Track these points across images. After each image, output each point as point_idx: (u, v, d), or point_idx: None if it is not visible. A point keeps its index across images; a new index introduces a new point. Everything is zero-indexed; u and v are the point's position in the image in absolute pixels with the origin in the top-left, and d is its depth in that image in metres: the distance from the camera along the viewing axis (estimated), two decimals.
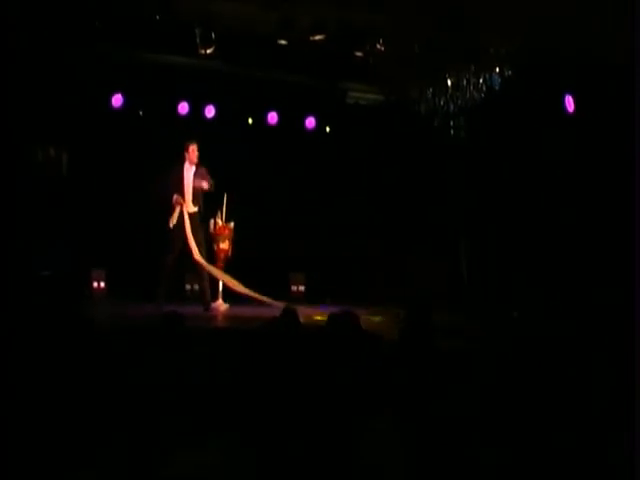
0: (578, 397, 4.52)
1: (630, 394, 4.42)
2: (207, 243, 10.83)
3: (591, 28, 9.45)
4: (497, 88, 10.69)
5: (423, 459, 3.92)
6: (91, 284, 11.92)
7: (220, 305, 10.90)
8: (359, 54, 11.27)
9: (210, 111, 12.81)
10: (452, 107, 10.71)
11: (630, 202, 5.49)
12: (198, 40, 10.73)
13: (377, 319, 10.02)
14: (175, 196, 10.40)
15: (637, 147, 5.35)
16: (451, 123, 11.37)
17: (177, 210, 10.40)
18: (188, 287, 12.49)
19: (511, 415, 4.31)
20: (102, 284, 11.98)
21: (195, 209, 10.55)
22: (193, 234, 10.42)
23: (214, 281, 10.95)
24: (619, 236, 9.87)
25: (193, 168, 10.56)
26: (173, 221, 10.37)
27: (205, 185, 10.46)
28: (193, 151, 10.51)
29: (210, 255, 10.90)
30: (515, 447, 4.03)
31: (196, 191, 10.53)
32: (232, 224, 11.12)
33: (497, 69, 10.52)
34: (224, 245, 10.99)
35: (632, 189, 5.36)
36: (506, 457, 4.01)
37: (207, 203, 10.75)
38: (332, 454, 3.91)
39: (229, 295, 11.07)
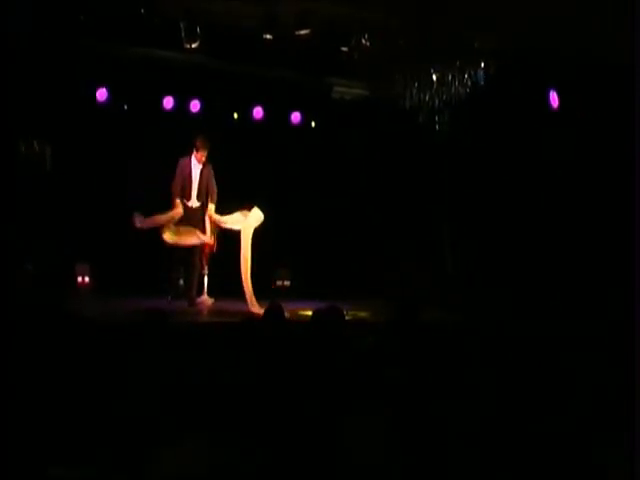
0: (571, 395, 4.52)
1: (630, 394, 4.44)
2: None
3: (577, 24, 9.46)
4: (482, 84, 10.69)
5: (412, 456, 3.91)
6: (75, 279, 11.85)
7: (205, 300, 10.87)
8: (344, 49, 11.25)
9: (195, 106, 12.77)
10: (437, 102, 10.71)
11: (622, 199, 5.49)
12: (183, 34, 10.68)
13: (363, 314, 10.01)
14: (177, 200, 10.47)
15: (637, 146, 5.36)
16: (436, 118, 11.37)
17: (175, 212, 10.43)
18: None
19: (503, 413, 4.30)
20: (86, 279, 11.92)
21: (198, 204, 10.60)
22: (194, 227, 10.51)
23: (199, 276, 10.93)
24: (606, 229, 9.92)
25: (200, 166, 10.63)
26: (173, 216, 10.29)
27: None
28: (201, 155, 10.54)
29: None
30: (508, 447, 4.03)
31: (201, 186, 10.55)
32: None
33: (482, 64, 10.52)
34: (209, 240, 10.96)
35: (632, 188, 5.35)
36: (498, 456, 4.01)
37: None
38: (319, 450, 3.89)
39: (214, 290, 11.05)
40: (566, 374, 4.81)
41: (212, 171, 10.74)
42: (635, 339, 4.64)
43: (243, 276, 10.19)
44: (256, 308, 9.79)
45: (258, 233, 10.87)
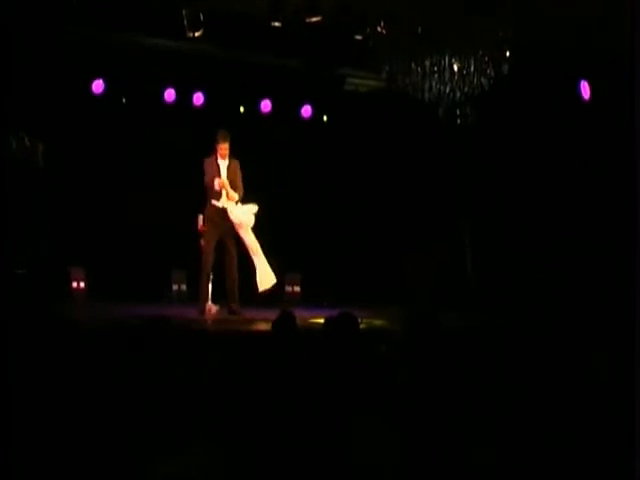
0: (584, 399, 4.56)
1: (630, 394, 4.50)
2: (196, 240, 10.84)
3: (608, 9, 9.46)
4: (506, 74, 10.69)
5: (421, 461, 3.95)
6: (70, 284, 11.91)
7: (210, 307, 10.91)
8: (358, 37, 11.26)
9: (199, 99, 12.81)
10: (458, 94, 10.70)
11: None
12: (186, 22, 10.72)
13: (379, 322, 10.03)
14: (217, 180, 10.55)
15: (637, 145, 5.42)
16: (457, 112, 11.37)
17: (220, 201, 10.58)
18: (175, 287, 12.49)
19: (513, 416, 4.35)
20: (82, 284, 11.98)
21: (225, 205, 10.71)
22: (227, 231, 10.66)
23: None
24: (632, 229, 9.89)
25: (226, 161, 10.68)
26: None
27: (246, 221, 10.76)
28: (225, 149, 10.62)
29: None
30: (515, 448, 4.08)
31: (231, 183, 10.69)
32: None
33: (507, 54, 10.52)
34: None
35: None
36: (505, 458, 4.05)
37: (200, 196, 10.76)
38: (328, 464, 3.94)
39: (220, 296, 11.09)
40: (593, 382, 4.84)
41: (239, 165, 10.76)
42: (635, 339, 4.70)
43: (255, 254, 10.65)
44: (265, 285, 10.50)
45: (265, 236, 10.93)
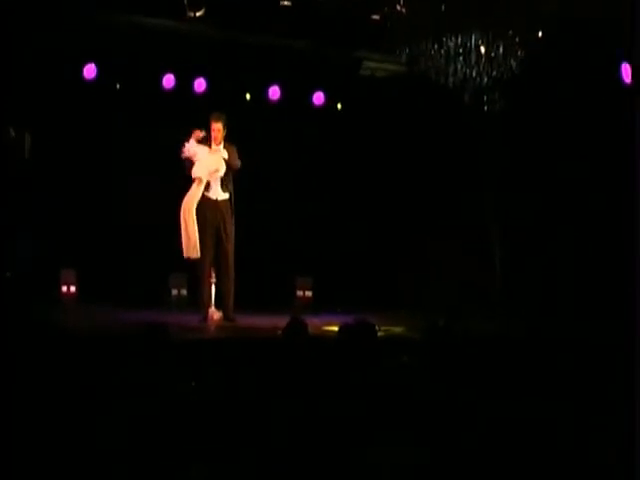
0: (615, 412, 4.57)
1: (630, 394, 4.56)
2: None
3: None
4: (539, 57, 10.67)
5: None
6: (59, 287, 11.93)
7: (213, 313, 10.90)
8: (376, 17, 11.25)
9: (200, 85, 12.81)
10: (485, 79, 10.68)
11: None
12: (186, 1, 10.72)
13: (398, 330, 10.02)
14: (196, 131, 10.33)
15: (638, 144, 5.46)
16: (484, 98, 11.34)
17: (210, 191, 10.37)
18: (174, 292, 12.51)
19: (552, 444, 4.34)
20: (72, 288, 12.00)
21: (225, 196, 10.55)
22: (223, 226, 10.45)
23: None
24: None
25: (221, 147, 10.54)
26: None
27: (224, 154, 10.40)
28: (217, 130, 10.46)
29: None
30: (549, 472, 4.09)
31: (225, 175, 10.51)
32: None
33: (539, 34, 10.48)
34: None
35: None
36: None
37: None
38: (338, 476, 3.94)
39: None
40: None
41: (235, 150, 10.62)
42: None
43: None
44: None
45: (273, 236, 10.94)
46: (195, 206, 10.26)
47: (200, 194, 10.32)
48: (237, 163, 10.49)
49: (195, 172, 10.31)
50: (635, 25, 6.04)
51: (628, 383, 4.81)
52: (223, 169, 10.35)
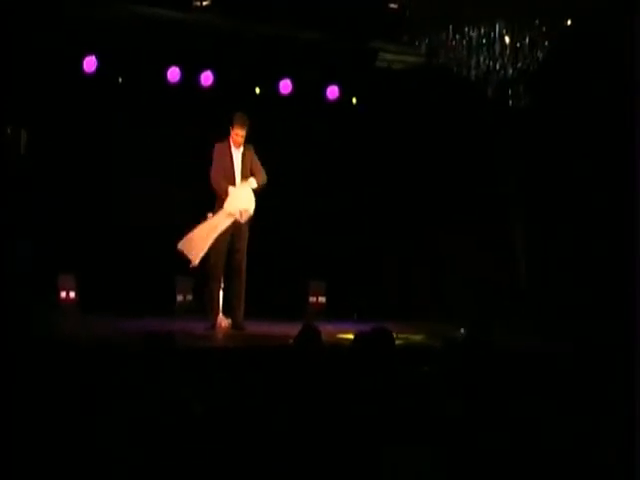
0: None
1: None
2: None
3: None
4: (568, 47, 10.64)
5: None
6: (58, 294, 11.94)
7: (221, 320, 10.91)
8: (393, 5, 11.23)
9: (207, 78, 12.80)
10: (510, 71, 10.66)
11: None
12: None
13: (417, 338, 10.02)
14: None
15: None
16: (509, 92, 11.32)
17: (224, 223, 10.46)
18: (180, 297, 12.52)
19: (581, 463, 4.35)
20: (72, 294, 12.00)
21: None
22: (238, 232, 10.56)
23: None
24: None
25: (240, 150, 10.63)
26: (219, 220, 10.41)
27: (254, 184, 10.52)
28: (241, 136, 10.53)
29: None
30: None
31: (245, 176, 10.60)
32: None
33: (568, 22, 10.46)
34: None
35: None
36: None
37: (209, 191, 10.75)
38: None
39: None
40: None
41: (254, 151, 10.69)
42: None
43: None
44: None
45: (284, 238, 10.94)
46: (218, 234, 10.37)
47: (226, 227, 10.43)
48: (264, 179, 10.67)
49: (227, 207, 10.40)
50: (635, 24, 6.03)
51: None
52: (252, 208, 10.48)
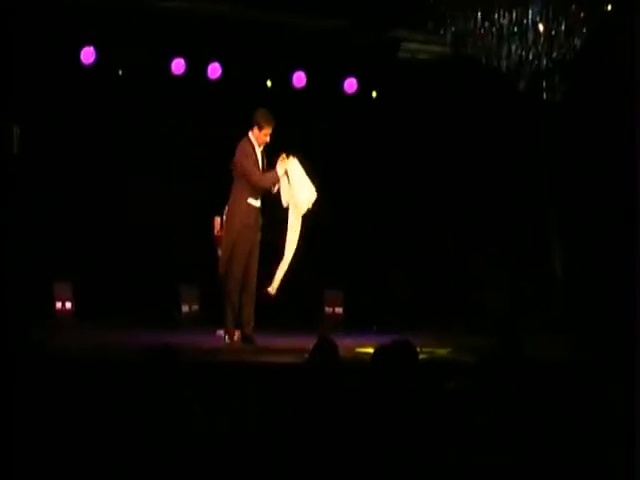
0: None
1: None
2: (211, 248, 10.84)
3: None
4: (608, 35, 10.62)
5: None
6: (53, 303, 11.95)
7: (234, 333, 10.90)
8: None
9: (215, 70, 12.82)
10: (544, 61, 10.64)
11: None
12: None
13: (442, 352, 10.00)
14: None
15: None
16: (543, 83, 11.31)
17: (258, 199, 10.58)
18: (185, 308, 12.52)
19: None
20: (68, 304, 12.02)
21: (259, 204, 10.71)
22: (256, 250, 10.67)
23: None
24: None
25: (261, 149, 10.65)
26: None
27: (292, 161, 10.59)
28: (265, 135, 10.53)
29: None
30: None
31: None
32: None
33: (608, 7, 10.44)
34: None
35: None
36: None
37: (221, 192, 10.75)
38: None
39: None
40: None
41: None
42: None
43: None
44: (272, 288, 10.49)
45: (298, 245, 10.88)
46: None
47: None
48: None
49: (299, 201, 10.64)
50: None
51: None
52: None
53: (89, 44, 12.16)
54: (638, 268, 5.14)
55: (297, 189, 10.54)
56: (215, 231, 10.98)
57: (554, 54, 10.54)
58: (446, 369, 7.50)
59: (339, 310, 13.30)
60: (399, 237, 13.60)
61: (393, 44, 13.37)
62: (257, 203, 10.56)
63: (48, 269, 11.89)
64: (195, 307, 12.55)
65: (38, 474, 4.36)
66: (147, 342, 7.69)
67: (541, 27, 10.43)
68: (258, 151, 10.58)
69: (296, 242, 10.61)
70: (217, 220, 10.98)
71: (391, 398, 4.82)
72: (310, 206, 10.57)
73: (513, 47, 10.52)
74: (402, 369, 4.94)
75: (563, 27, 10.40)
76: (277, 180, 10.44)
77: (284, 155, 10.46)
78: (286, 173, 10.46)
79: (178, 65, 12.65)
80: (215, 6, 11.79)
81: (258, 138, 10.53)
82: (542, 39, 10.47)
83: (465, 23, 10.58)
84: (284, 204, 10.54)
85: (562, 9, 10.37)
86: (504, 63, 10.60)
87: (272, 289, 10.57)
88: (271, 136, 10.54)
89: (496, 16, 10.47)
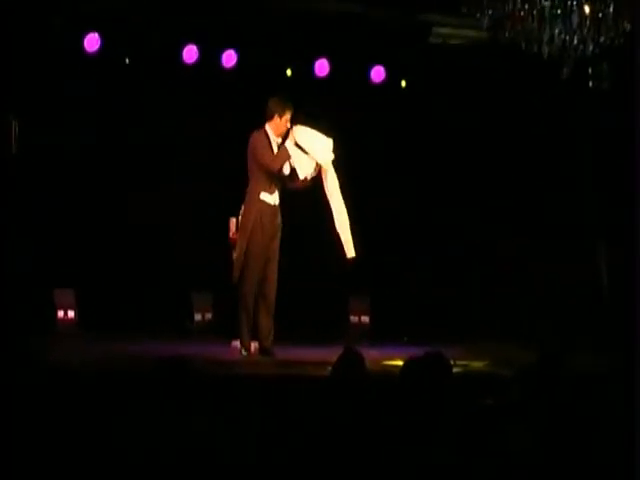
0: None
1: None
2: (226, 252, 10.84)
3: None
4: None
5: None
6: (55, 312, 11.98)
7: (250, 344, 10.91)
8: None
9: (230, 59, 12.84)
10: (590, 47, 10.61)
11: None
12: None
13: (478, 365, 9.98)
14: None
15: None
16: (589, 71, 11.28)
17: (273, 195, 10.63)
18: (198, 316, 12.53)
19: None
20: (70, 312, 12.05)
21: (278, 202, 10.72)
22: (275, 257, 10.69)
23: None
24: None
25: (279, 140, 10.63)
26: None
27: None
28: (284, 124, 10.54)
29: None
30: None
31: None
32: None
33: None
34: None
35: None
36: None
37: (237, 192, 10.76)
38: None
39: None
40: None
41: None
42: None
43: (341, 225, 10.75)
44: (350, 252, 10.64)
45: (319, 246, 10.91)
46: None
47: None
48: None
49: (322, 160, 10.74)
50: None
51: None
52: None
53: (93, 30, 12.19)
54: None
55: (315, 150, 10.58)
56: (230, 233, 10.97)
57: (601, 39, 10.51)
58: (482, 384, 7.50)
59: (365, 319, 13.30)
60: (430, 241, 13.58)
61: (424, 29, 13.36)
62: (272, 200, 10.53)
63: (48, 274, 11.91)
64: (208, 316, 12.57)
65: None
66: (156, 354, 7.71)
67: (587, 9, 10.40)
68: (274, 143, 10.56)
69: (342, 200, 10.72)
70: (232, 221, 10.97)
71: (422, 415, 4.81)
72: (333, 156, 10.64)
73: (556, 31, 10.49)
74: (434, 384, 4.93)
75: (611, 9, 10.37)
76: (287, 154, 10.43)
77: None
78: (297, 145, 10.45)
79: (190, 52, 12.68)
80: None
81: (279, 127, 10.51)
82: (588, 22, 10.45)
83: (503, 5, 10.57)
84: (307, 176, 10.55)
85: None
86: (546, 49, 10.58)
87: (350, 253, 10.68)
88: (291, 121, 10.55)
89: None
